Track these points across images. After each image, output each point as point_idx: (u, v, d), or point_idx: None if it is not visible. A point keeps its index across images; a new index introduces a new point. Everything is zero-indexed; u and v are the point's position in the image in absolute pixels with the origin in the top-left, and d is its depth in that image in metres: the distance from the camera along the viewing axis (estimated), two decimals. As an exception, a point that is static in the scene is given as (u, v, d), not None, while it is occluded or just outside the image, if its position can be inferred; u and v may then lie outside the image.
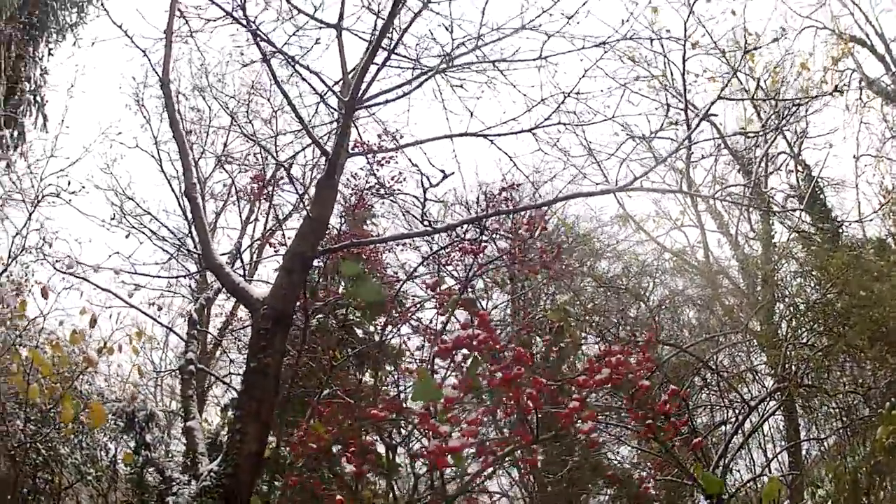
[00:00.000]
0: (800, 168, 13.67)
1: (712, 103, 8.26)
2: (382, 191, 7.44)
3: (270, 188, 7.34)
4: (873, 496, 9.31)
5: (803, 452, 11.66)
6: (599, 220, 12.78)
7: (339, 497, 5.42)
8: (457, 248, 7.01)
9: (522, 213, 7.01)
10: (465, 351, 4.07)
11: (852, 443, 10.37)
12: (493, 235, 6.43)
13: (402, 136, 7.12)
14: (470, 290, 7.03)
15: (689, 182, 8.46)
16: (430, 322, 7.17)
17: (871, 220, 13.75)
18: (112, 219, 11.03)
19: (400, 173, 7.41)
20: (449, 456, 3.40)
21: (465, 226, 6.69)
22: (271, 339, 6.35)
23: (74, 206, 10.23)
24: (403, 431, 6.38)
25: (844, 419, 10.93)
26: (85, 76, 17.69)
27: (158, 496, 9.68)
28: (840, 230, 12.88)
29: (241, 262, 9.88)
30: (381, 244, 7.75)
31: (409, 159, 6.37)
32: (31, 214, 9.72)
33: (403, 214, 8.95)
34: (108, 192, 11.66)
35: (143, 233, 11.15)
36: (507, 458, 4.64)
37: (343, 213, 7.83)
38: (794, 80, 13.59)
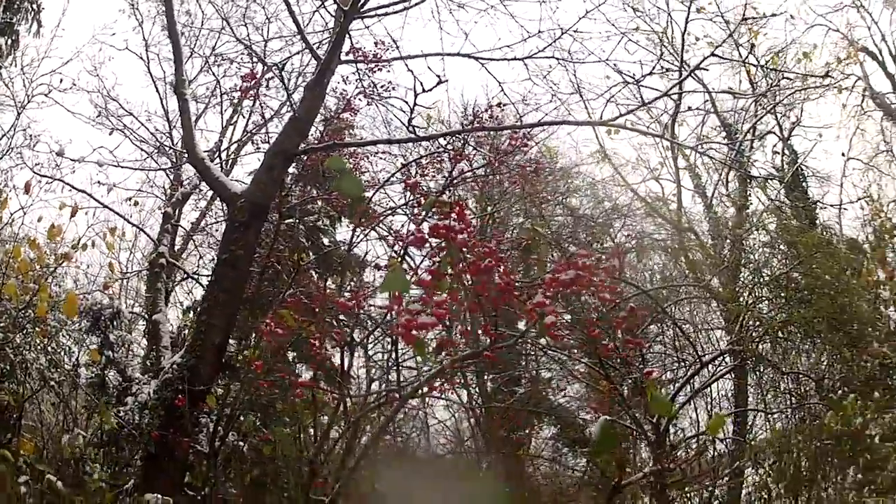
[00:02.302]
0: (786, 152, 13.84)
1: (704, 58, 8.39)
2: (374, 94, 7.53)
3: (260, 88, 7.42)
4: (815, 489, 9.38)
5: (748, 423, 11.85)
6: (579, 153, 12.91)
7: (302, 380, 5.50)
8: (437, 159, 7.17)
9: (506, 131, 7.15)
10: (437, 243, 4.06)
11: (801, 424, 10.48)
12: (475, 148, 6.58)
13: (398, 47, 7.24)
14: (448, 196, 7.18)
15: (674, 136, 8.62)
16: (401, 228, 7.35)
17: (846, 209, 14.02)
18: (98, 116, 11.17)
19: (389, 82, 7.53)
20: (416, 333, 3.44)
21: (447, 138, 6.85)
22: (245, 232, 6.44)
23: (62, 105, 10.30)
24: (361, 333, 6.54)
25: (794, 400, 11.04)
26: (82, -21, 17.52)
27: (118, 396, 9.70)
28: (815, 214, 13.10)
29: (220, 160, 9.99)
30: (361, 148, 7.89)
31: (406, 65, 6.49)
32: (19, 115, 9.72)
33: (386, 125, 9.13)
34: (94, 94, 11.80)
35: (124, 133, 11.34)
36: (470, 359, 4.74)
37: (328, 118, 7.92)
38: (794, 66, 13.67)
